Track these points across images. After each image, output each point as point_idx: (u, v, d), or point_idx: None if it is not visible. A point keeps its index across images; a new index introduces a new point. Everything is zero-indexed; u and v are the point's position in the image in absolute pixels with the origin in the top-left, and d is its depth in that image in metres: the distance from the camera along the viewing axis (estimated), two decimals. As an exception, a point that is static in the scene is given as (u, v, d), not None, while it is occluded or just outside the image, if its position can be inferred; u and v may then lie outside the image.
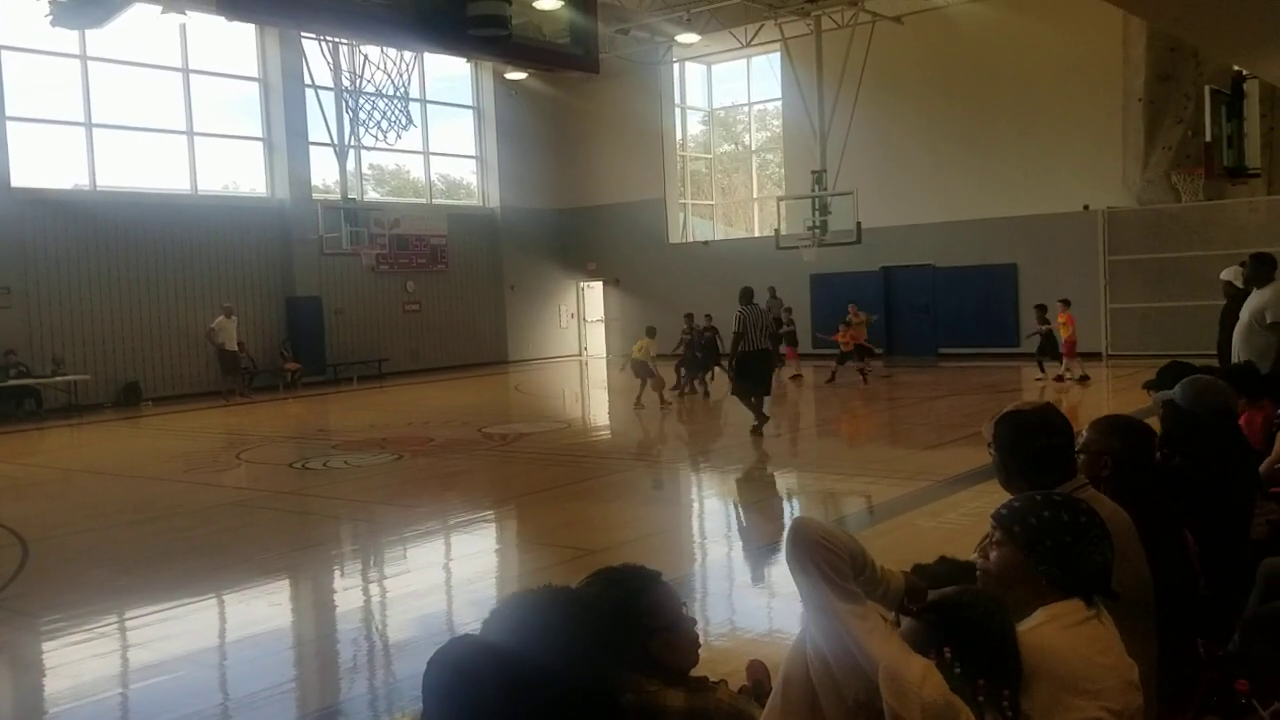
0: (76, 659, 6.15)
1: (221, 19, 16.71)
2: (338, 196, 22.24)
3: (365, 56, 17.59)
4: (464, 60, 26.93)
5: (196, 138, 22.89)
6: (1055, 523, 2.37)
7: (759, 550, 8.25)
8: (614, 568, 2.57)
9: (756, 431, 13.38)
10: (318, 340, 24.34)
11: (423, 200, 27.79)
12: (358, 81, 18.44)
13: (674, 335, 19.83)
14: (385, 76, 17.22)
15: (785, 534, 2.28)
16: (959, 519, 8.13)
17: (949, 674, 2.11)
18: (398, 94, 17.95)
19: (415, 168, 28.28)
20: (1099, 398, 16.42)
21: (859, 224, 21.67)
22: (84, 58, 20.93)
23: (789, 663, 2.35)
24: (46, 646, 6.53)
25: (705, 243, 28.54)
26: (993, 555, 2.44)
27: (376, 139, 18.38)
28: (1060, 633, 2.28)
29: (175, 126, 22.58)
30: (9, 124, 19.83)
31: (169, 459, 13.97)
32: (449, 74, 28.26)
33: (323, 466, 12.84)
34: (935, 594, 2.32)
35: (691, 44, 25.95)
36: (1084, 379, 17.68)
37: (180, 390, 21.81)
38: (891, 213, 23.40)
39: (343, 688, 5.75)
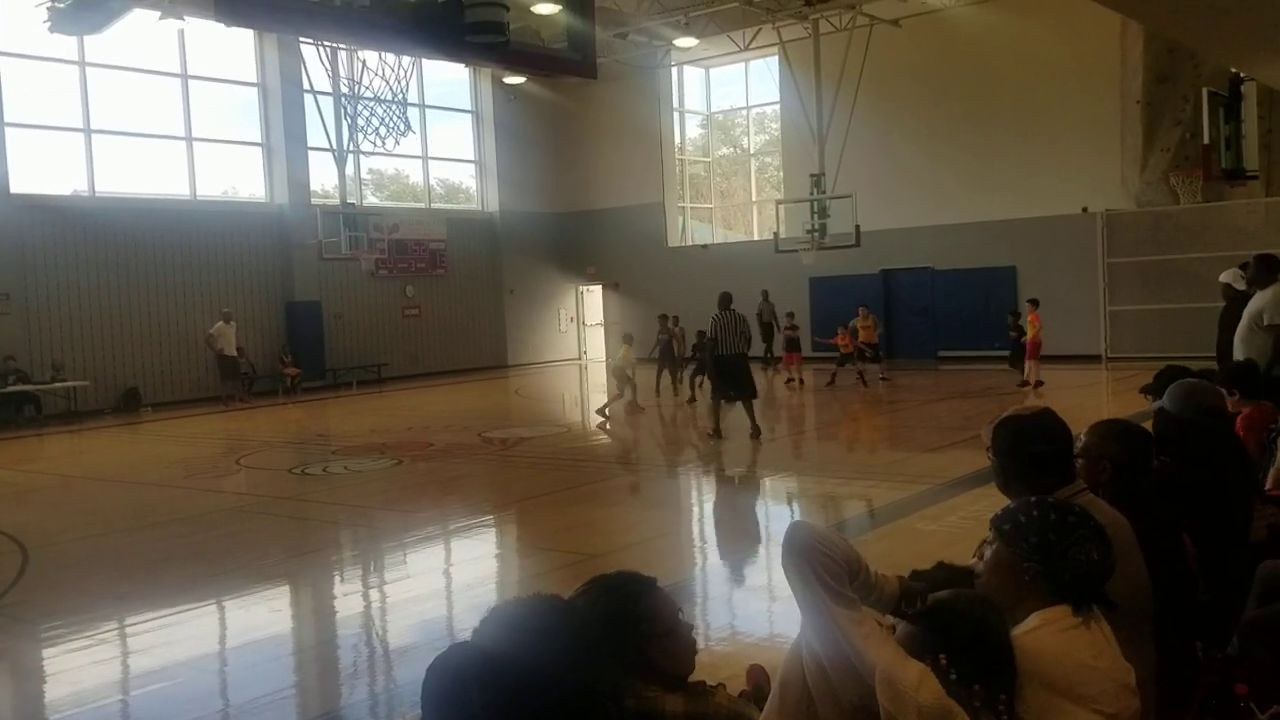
0: (76, 666, 6.15)
1: (220, 24, 16.70)
2: (337, 201, 22.25)
3: (363, 62, 17.59)
4: (462, 65, 26.93)
5: (195, 143, 22.90)
6: (1041, 520, 2.39)
7: (759, 554, 8.25)
8: (610, 575, 2.58)
9: (755, 436, 13.42)
10: (317, 345, 24.34)
11: (422, 205, 27.80)
12: (356, 87, 18.45)
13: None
14: (383, 82, 17.22)
15: (782, 539, 2.29)
16: (959, 522, 8.13)
17: (945, 679, 2.11)
18: (396, 100, 17.95)
19: (414, 172, 28.30)
20: (1098, 401, 16.43)
21: (858, 227, 21.68)
22: (83, 63, 20.95)
23: (786, 667, 2.36)
24: (47, 653, 6.53)
25: (704, 246, 28.56)
26: (986, 554, 2.46)
27: (375, 145, 18.39)
28: (1054, 637, 2.29)
29: (174, 132, 22.60)
30: (8, 130, 19.83)
31: (169, 465, 13.98)
32: (448, 78, 28.30)
33: (322, 472, 12.83)
34: (931, 598, 2.33)
35: (690, 48, 25.98)
36: (1038, 384, 17.62)
37: (180, 396, 21.80)
38: (890, 216, 23.41)
39: (343, 693, 5.76)
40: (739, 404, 13.76)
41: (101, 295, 20.97)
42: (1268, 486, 4.90)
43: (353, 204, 22.68)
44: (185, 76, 22.62)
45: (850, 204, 21.76)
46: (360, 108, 18.38)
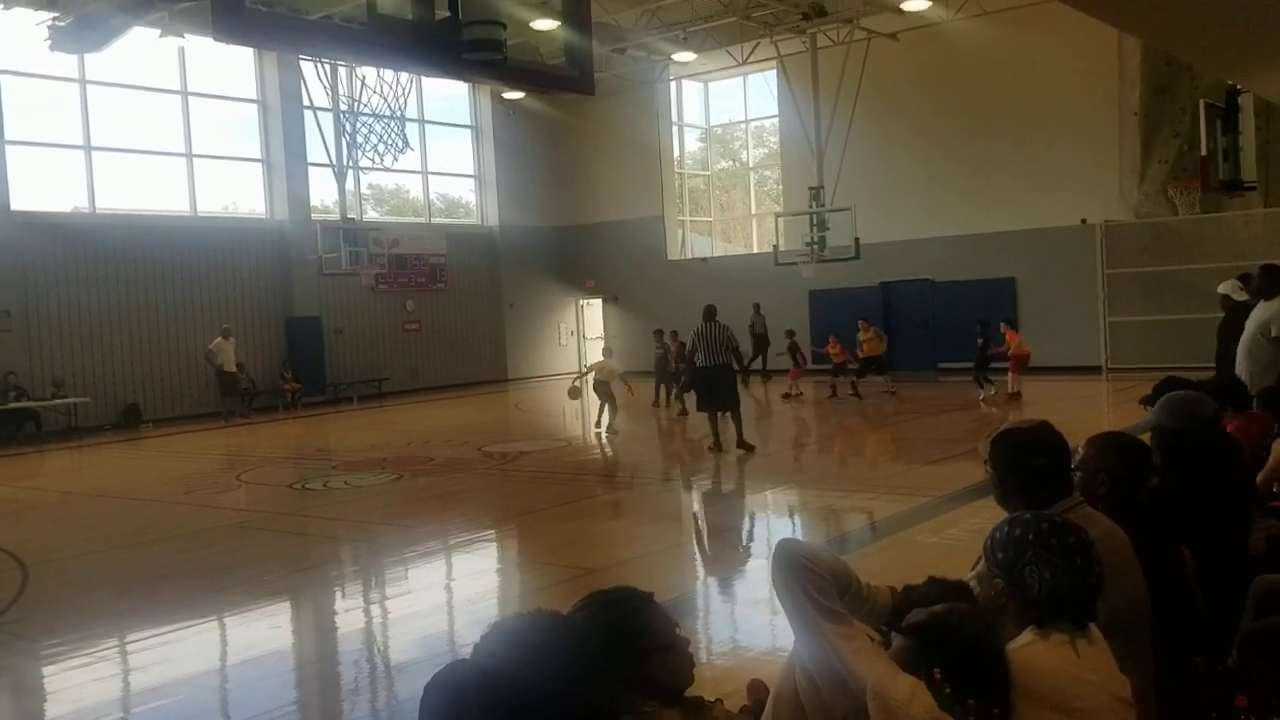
0: (77, 683, 6.14)
1: (219, 43, 16.77)
2: (337, 217, 22.31)
3: (362, 79, 17.68)
4: (461, 82, 27.03)
5: (195, 159, 22.95)
6: (1008, 537, 2.40)
7: (760, 568, 8.24)
8: (606, 590, 2.58)
9: (741, 446, 13.39)
10: (317, 360, 24.36)
11: (421, 219, 27.85)
12: (355, 103, 18.53)
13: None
14: (382, 99, 17.30)
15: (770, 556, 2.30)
16: (960, 535, 8.11)
17: (939, 694, 2.12)
18: (394, 116, 18.03)
19: (414, 187, 28.36)
20: (1098, 413, 16.43)
21: (857, 239, 21.72)
22: (83, 81, 21.01)
23: (779, 681, 2.38)
24: (46, 671, 6.52)
25: (704, 259, 28.59)
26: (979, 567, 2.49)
27: (374, 161, 18.45)
28: (1048, 651, 2.29)
29: (174, 149, 22.66)
30: (8, 147, 19.88)
31: (169, 481, 13.97)
32: (447, 93, 28.37)
33: (323, 487, 12.83)
34: (925, 612, 2.34)
35: (688, 62, 26.05)
36: (1014, 395, 17.62)
37: (180, 412, 21.81)
38: (889, 228, 23.44)
39: (344, 710, 5.75)
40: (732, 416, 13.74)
41: (102, 311, 20.99)
42: (1259, 480, 4.90)
43: (353, 219, 22.74)
44: (185, 93, 22.69)
45: (849, 217, 21.80)
46: (359, 124, 18.47)
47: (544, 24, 15.95)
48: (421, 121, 27.07)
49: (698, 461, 13.79)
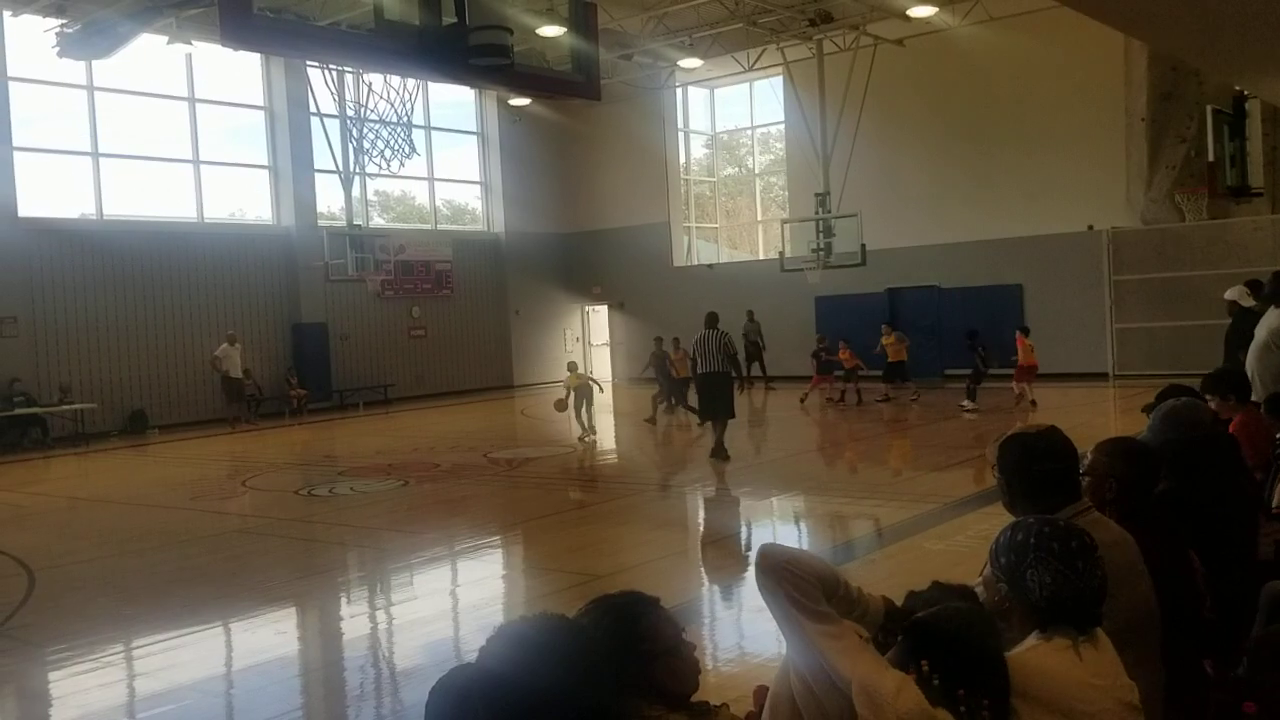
0: (83, 689, 6.14)
1: (227, 49, 16.82)
2: (343, 223, 22.31)
3: (369, 85, 17.70)
4: (468, 87, 27.08)
5: (203, 166, 23.02)
6: (1010, 541, 2.41)
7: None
8: (612, 595, 2.58)
9: (715, 455, 13.32)
10: (324, 366, 24.38)
11: (428, 226, 27.90)
12: (362, 110, 18.56)
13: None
14: (388, 105, 17.32)
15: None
16: (967, 541, 8.09)
17: (929, 687, 2.11)
18: (401, 122, 18.05)
19: (420, 193, 28.41)
20: (1105, 419, 16.39)
21: (863, 246, 21.68)
22: (90, 88, 21.10)
23: (776, 684, 2.40)
24: (53, 676, 6.52)
25: (710, 266, 28.59)
26: (986, 572, 2.49)
27: (380, 167, 18.47)
28: (1053, 655, 2.29)
29: (181, 155, 22.72)
30: (16, 154, 19.95)
31: (175, 487, 13.98)
32: (453, 100, 28.43)
33: (329, 493, 12.83)
34: (918, 614, 2.35)
35: (694, 69, 26.06)
36: (1020, 399, 17.63)
37: (187, 418, 21.83)
38: (896, 234, 23.43)
39: (350, 715, 5.74)
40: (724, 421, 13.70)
41: (108, 318, 21.03)
42: (1275, 504, 4.87)
43: (359, 225, 22.74)
44: (193, 100, 22.76)
45: (855, 223, 21.77)
46: (366, 130, 18.49)
47: (551, 30, 15.97)
48: (428, 128, 27.12)
49: (704, 468, 13.77)
